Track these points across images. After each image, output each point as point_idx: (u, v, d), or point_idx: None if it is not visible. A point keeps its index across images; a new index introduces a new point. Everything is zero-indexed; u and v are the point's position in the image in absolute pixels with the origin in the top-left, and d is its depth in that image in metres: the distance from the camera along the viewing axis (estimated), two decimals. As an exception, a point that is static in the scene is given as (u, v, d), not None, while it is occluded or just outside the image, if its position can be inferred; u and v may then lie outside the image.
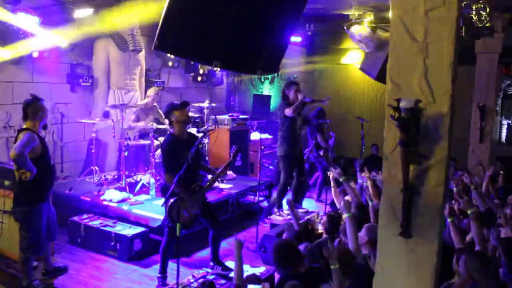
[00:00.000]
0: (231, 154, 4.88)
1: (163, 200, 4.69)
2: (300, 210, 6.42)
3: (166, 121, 5.20)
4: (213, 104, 8.22)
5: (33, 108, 4.34)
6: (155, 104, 7.39)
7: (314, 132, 7.95)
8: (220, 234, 5.07)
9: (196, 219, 4.81)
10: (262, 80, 11.12)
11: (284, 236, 4.59)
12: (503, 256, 3.50)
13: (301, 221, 5.13)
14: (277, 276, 3.79)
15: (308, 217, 6.05)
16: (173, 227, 4.49)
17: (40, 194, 4.44)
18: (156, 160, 6.55)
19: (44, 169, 4.37)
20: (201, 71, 9.06)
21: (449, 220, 3.78)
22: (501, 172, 6.13)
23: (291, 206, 4.92)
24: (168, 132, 5.21)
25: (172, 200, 4.47)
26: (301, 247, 3.94)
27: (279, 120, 6.51)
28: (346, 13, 7.32)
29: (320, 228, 4.92)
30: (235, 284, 3.45)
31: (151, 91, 7.38)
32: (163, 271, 4.77)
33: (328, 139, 8.04)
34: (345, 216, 3.62)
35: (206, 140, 7.45)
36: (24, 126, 4.35)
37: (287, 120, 6.31)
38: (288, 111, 6.15)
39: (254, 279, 3.86)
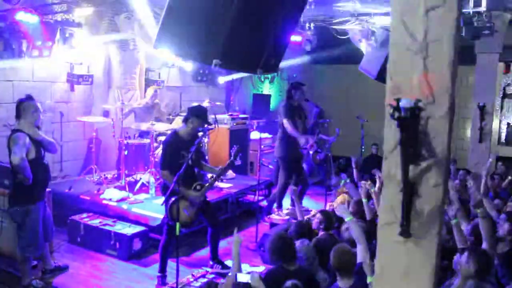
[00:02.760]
0: (232, 154, 4.88)
1: (163, 199, 4.70)
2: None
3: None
4: (216, 103, 8.25)
5: (25, 107, 4.36)
6: (156, 101, 7.40)
7: (315, 130, 8.04)
8: (219, 233, 5.07)
9: (196, 218, 4.81)
10: (262, 80, 11.12)
11: (290, 230, 4.59)
12: (498, 260, 3.52)
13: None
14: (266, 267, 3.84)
15: (308, 216, 6.05)
16: (172, 226, 4.51)
17: (36, 193, 4.45)
18: (156, 159, 6.56)
19: (39, 169, 4.39)
20: (201, 71, 9.07)
21: (453, 221, 3.78)
22: (510, 177, 6.15)
23: (296, 198, 5.02)
24: (173, 130, 5.20)
25: (173, 199, 4.48)
26: (298, 242, 3.95)
27: (280, 120, 6.54)
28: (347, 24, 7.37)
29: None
30: (233, 282, 3.46)
31: (150, 90, 7.41)
32: (163, 270, 4.77)
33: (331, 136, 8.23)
34: (347, 219, 3.63)
35: (205, 139, 7.46)
36: (15, 128, 4.36)
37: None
38: (286, 125, 6.27)
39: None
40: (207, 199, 5.00)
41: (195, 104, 5.38)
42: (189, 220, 4.67)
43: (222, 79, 9.63)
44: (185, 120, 4.77)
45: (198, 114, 4.73)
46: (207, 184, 4.83)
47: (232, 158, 4.87)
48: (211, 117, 4.61)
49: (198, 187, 4.73)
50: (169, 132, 5.94)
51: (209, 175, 6.16)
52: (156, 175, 6.56)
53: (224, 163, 5.07)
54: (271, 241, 3.72)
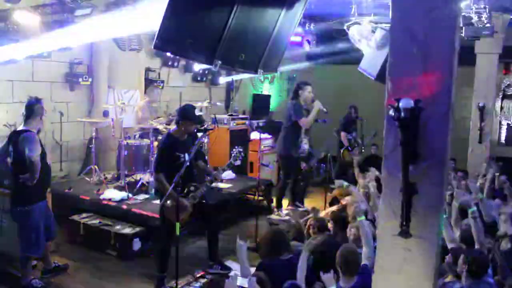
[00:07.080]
0: (232, 156, 4.87)
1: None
2: (300, 209, 6.48)
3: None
4: (216, 103, 8.26)
5: (36, 109, 4.41)
6: (154, 104, 7.39)
7: (340, 130, 8.15)
8: (217, 234, 5.05)
9: (188, 220, 4.75)
10: (262, 80, 11.11)
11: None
12: (499, 260, 3.52)
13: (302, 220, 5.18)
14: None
15: (309, 216, 6.04)
16: (167, 226, 4.52)
17: (38, 193, 4.46)
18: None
19: (43, 169, 4.40)
20: (200, 71, 9.08)
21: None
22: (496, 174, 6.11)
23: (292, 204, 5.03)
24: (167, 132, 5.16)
25: (163, 199, 4.49)
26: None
27: (284, 119, 6.58)
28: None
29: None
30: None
31: (149, 90, 7.42)
32: (162, 270, 4.76)
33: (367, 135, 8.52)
34: (359, 219, 3.64)
35: (205, 140, 7.45)
36: (23, 127, 4.37)
37: (293, 121, 6.42)
38: (303, 123, 6.35)
39: None
40: (208, 203, 4.93)
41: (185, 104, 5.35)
42: (181, 220, 4.61)
43: (222, 80, 9.64)
44: (177, 123, 4.74)
45: (186, 116, 4.67)
46: (202, 186, 4.77)
47: (230, 160, 4.86)
48: (199, 114, 4.55)
49: (192, 188, 4.69)
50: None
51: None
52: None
53: (224, 163, 5.05)
54: (265, 238, 3.73)
